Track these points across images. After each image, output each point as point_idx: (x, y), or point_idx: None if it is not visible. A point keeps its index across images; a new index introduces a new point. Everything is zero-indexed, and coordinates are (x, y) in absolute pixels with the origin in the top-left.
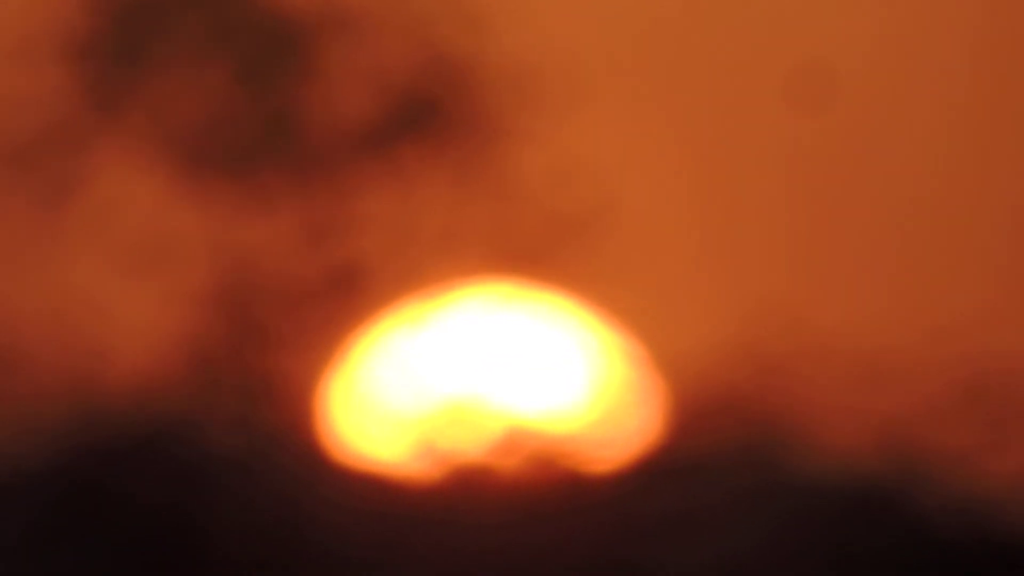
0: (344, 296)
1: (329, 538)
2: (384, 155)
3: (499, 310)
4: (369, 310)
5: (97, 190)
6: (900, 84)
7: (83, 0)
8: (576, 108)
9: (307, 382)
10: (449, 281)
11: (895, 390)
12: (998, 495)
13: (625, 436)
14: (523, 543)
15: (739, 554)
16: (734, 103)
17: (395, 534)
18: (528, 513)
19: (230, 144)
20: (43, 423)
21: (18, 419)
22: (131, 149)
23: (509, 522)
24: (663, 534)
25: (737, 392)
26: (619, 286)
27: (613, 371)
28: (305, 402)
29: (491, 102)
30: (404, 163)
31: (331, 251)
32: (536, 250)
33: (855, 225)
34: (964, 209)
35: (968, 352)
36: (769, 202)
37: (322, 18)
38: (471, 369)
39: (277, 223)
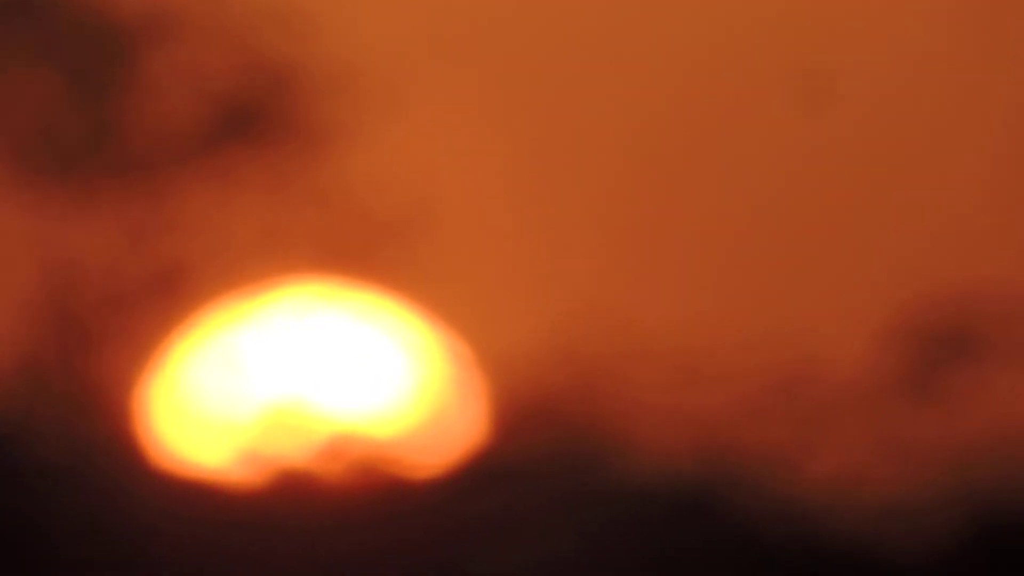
0: (166, 298)
1: (151, 543)
2: (207, 159)
3: (321, 312)
4: (191, 312)
5: None
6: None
7: None
8: (396, 111)
9: (129, 385)
10: (270, 283)
11: (713, 393)
12: (815, 497)
13: (448, 439)
14: (346, 548)
15: (560, 557)
16: (552, 104)
17: (218, 539)
18: (351, 518)
19: (56, 148)
20: None
21: None
22: None
23: (332, 527)
24: (485, 537)
25: (559, 394)
26: (442, 287)
27: (435, 373)
28: (127, 406)
29: (312, 106)
30: (227, 166)
31: (154, 253)
32: (358, 251)
33: (676, 228)
34: (778, 203)
35: (783, 355)
36: (590, 204)
37: (147, 25)
38: (293, 372)
39: (101, 226)
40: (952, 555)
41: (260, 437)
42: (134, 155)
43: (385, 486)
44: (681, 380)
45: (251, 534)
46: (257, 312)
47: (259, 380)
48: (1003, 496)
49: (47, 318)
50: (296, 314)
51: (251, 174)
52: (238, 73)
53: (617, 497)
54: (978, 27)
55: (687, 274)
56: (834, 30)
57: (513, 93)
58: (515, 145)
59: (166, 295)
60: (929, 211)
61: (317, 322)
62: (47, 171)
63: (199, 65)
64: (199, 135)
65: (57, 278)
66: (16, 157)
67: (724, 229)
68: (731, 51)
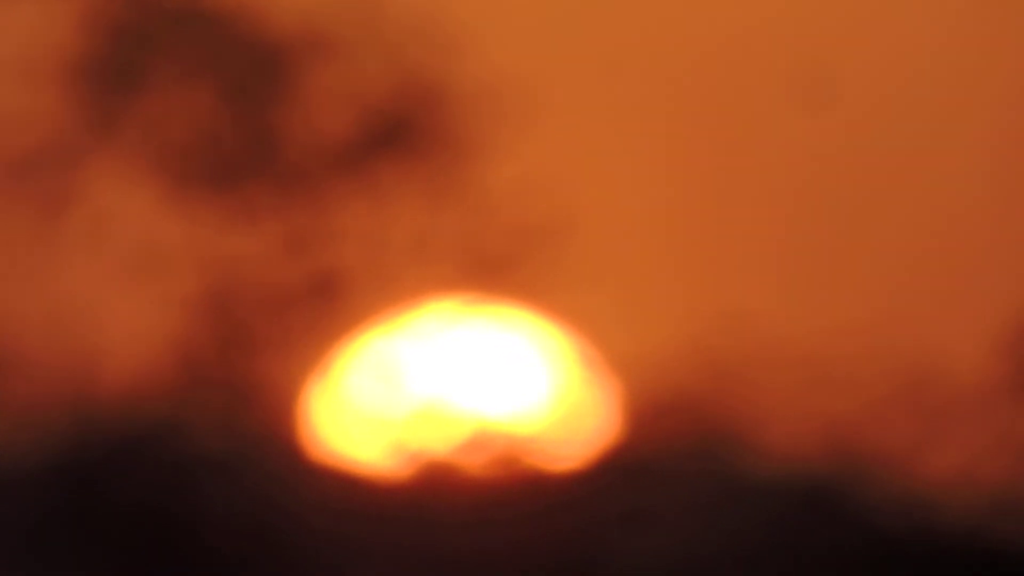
0: (323, 303)
1: (306, 535)
2: (360, 170)
3: (466, 315)
4: (346, 317)
5: (91, 203)
6: (888, 92)
7: (80, 22)
8: (539, 124)
9: (287, 385)
10: (420, 289)
11: (840, 394)
12: (936, 492)
13: (584, 437)
14: (487, 539)
15: (692, 551)
16: (689, 113)
17: (368, 530)
18: (493, 510)
19: (216, 160)
20: (37, 425)
21: (12, 421)
22: (123, 164)
23: (474, 518)
24: (619, 532)
25: (690, 394)
26: (579, 293)
27: (573, 375)
28: (285, 404)
29: (459, 119)
30: (378, 178)
31: (310, 261)
32: (501, 259)
33: (804, 236)
34: (900, 216)
35: (906, 359)
36: (721, 211)
37: (303, 41)
38: (440, 374)
39: (260, 234)
40: None
41: (409, 433)
42: (290, 167)
43: (525, 480)
44: (809, 382)
45: (399, 525)
46: (407, 316)
47: (409, 380)
48: None
49: (207, 322)
50: (443, 318)
51: (401, 185)
52: (390, 88)
53: (746, 494)
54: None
55: (817, 280)
56: None
57: (650, 103)
58: (652, 154)
59: (322, 300)
60: None
61: (463, 325)
62: (207, 182)
63: (352, 79)
64: (352, 148)
65: (217, 284)
66: (177, 168)
67: (854, 238)
68: (896, 58)
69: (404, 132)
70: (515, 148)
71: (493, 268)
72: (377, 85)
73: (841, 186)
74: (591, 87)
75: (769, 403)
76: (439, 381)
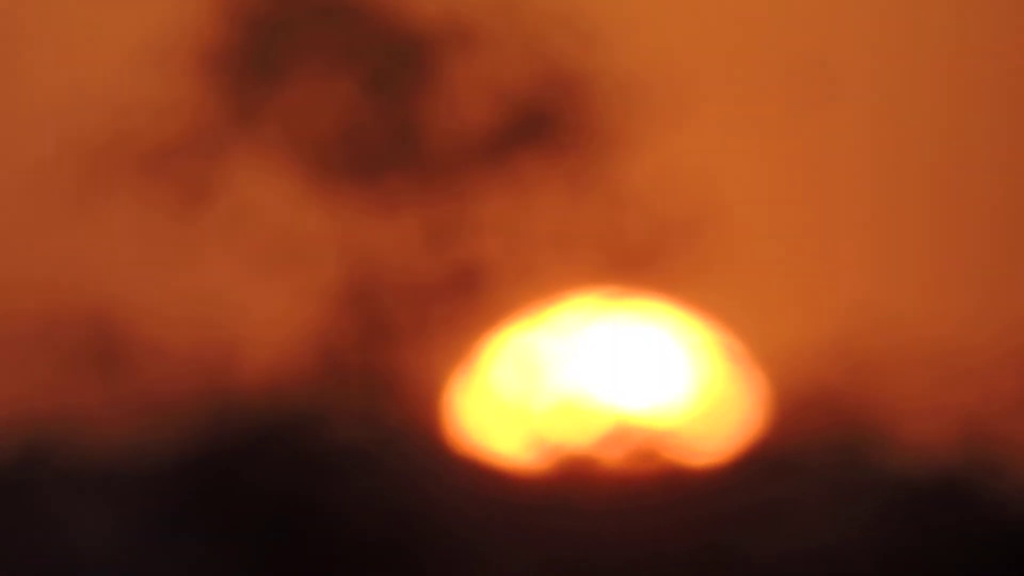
0: (463, 296)
1: (446, 525)
2: (501, 162)
3: (608, 310)
4: (488, 310)
5: (231, 194)
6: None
7: (221, 14)
8: (682, 117)
9: (428, 377)
10: (562, 282)
11: (975, 388)
12: None
13: (724, 431)
14: (625, 529)
15: (830, 542)
16: (830, 109)
17: (507, 521)
18: (631, 502)
19: (357, 151)
20: (177, 417)
21: (153, 413)
22: (264, 155)
23: (613, 510)
24: (758, 524)
25: (830, 388)
26: (721, 288)
27: (714, 369)
28: (426, 396)
29: (602, 112)
30: (520, 170)
31: (451, 252)
32: (643, 253)
33: (945, 231)
34: None
35: None
36: (865, 208)
37: (445, 33)
38: (582, 367)
39: (400, 225)
40: None
41: (550, 426)
42: (432, 158)
43: (664, 473)
44: (947, 377)
45: (538, 516)
46: (549, 310)
47: (550, 373)
48: None
49: (348, 313)
50: (585, 312)
51: (544, 178)
52: (532, 80)
53: (884, 487)
54: None
55: (954, 275)
56: None
57: (793, 98)
58: (794, 149)
59: (462, 293)
60: None
61: (604, 319)
62: (348, 173)
63: (495, 72)
64: (494, 140)
65: (357, 275)
66: (318, 159)
67: (993, 233)
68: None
69: (547, 124)
70: (658, 141)
71: (636, 262)
72: (520, 76)
73: (987, 185)
74: (736, 79)
75: (907, 397)
76: (580, 375)
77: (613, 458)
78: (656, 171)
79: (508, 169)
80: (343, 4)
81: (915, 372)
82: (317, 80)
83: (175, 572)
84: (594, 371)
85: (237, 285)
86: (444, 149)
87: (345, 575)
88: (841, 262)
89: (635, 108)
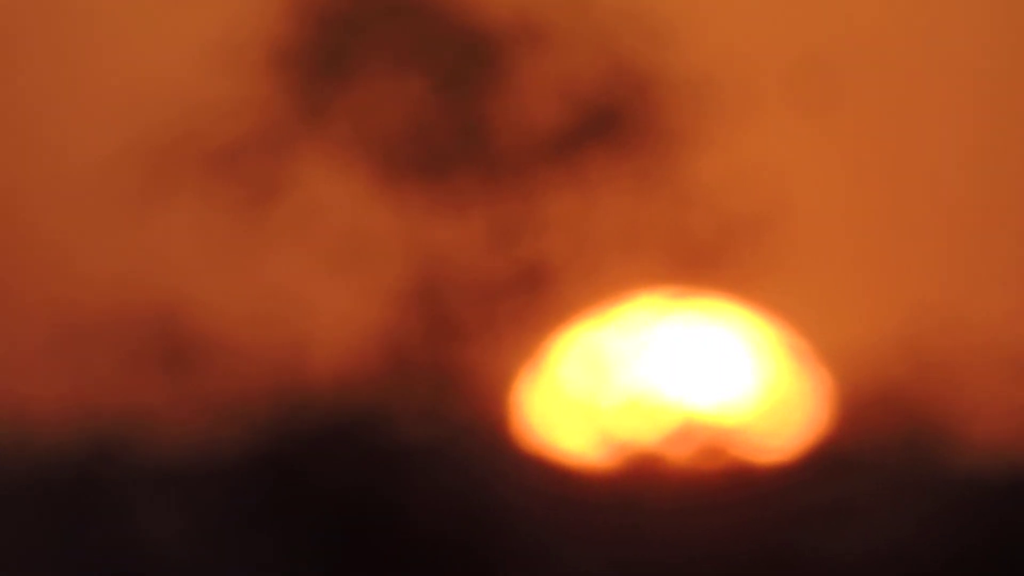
0: (530, 294)
1: (513, 523)
2: (569, 161)
3: (674, 307)
4: (554, 308)
5: (300, 192)
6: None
7: (290, 11)
8: (750, 115)
9: (495, 375)
10: (628, 281)
11: None
12: None
13: (790, 429)
14: (692, 527)
15: (898, 542)
16: (895, 107)
17: (574, 519)
18: (697, 500)
19: (425, 149)
20: (245, 415)
21: (222, 411)
22: (333, 153)
23: (680, 507)
24: (824, 523)
25: (896, 387)
26: (787, 286)
27: (780, 368)
28: (493, 394)
29: (670, 110)
30: (588, 169)
31: (518, 251)
32: (710, 251)
33: (1008, 227)
34: None
35: None
36: (933, 206)
37: (513, 31)
38: (649, 365)
39: (468, 224)
40: None
41: (617, 424)
42: (500, 156)
43: (730, 471)
44: (1013, 375)
45: (604, 514)
46: (616, 309)
47: (617, 371)
48: None
49: (415, 311)
50: (652, 311)
51: (611, 176)
52: (600, 78)
53: (950, 486)
54: None
55: (1018, 269)
56: None
57: (859, 96)
58: (863, 146)
59: (529, 291)
60: None
61: (671, 317)
62: (416, 171)
63: (563, 70)
64: (562, 138)
65: (425, 273)
66: (386, 157)
67: None
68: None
69: (615, 122)
70: (726, 139)
71: (702, 260)
72: (588, 74)
73: None
74: (805, 77)
75: (973, 396)
76: (647, 373)
77: (679, 455)
78: (723, 169)
79: (576, 168)
80: (413, 2)
81: (983, 371)
82: (386, 78)
83: (244, 570)
84: (661, 369)
85: (305, 283)
86: (512, 148)
87: (412, 573)
88: (909, 260)
89: (703, 106)
